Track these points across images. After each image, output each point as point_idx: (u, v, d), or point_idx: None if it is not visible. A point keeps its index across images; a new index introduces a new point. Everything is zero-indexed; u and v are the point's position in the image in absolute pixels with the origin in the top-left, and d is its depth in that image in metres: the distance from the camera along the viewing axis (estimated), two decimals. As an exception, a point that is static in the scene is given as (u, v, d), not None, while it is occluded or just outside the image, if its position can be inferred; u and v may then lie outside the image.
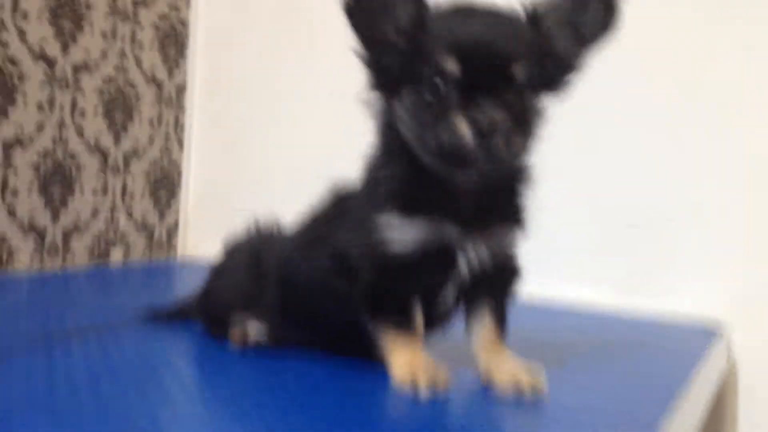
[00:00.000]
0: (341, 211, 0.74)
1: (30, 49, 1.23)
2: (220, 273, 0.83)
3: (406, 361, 0.69)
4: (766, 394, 1.20)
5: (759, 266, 1.22)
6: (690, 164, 1.25)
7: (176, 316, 0.91)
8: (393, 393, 0.68)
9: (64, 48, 1.29)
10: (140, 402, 0.65)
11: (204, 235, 1.60)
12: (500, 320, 0.73)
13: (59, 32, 1.28)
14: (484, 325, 0.73)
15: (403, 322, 0.70)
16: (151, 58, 1.48)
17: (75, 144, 1.32)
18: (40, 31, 1.24)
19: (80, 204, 1.35)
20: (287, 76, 1.51)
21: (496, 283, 0.72)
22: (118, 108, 1.41)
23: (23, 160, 1.23)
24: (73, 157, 1.32)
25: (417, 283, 0.70)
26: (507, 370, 0.71)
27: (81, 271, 1.34)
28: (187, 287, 1.46)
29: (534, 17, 0.68)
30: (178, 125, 1.56)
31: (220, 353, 0.79)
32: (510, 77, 0.64)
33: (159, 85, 1.51)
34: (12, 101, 1.20)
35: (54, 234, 1.30)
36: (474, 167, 0.65)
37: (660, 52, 1.25)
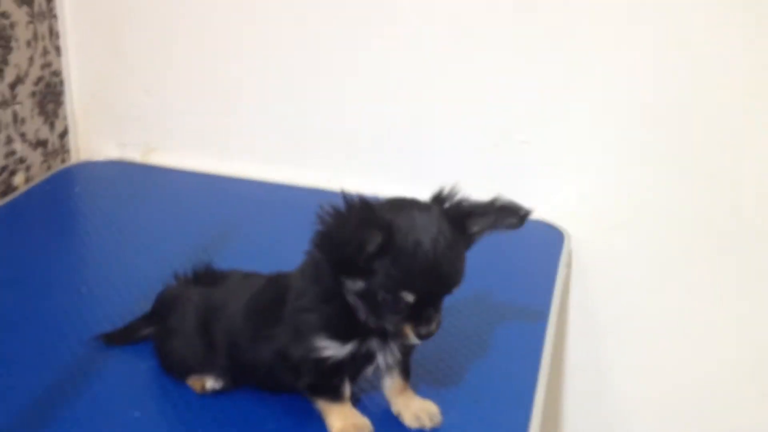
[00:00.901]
0: (280, 306, 0.90)
1: None
2: (172, 331, 0.99)
3: (340, 423, 0.91)
4: (595, 276, 1.51)
5: (596, 175, 1.45)
6: (547, 84, 1.42)
7: (127, 339, 1.07)
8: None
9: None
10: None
11: (94, 137, 1.67)
12: (406, 374, 0.96)
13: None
14: (394, 378, 0.95)
15: (335, 397, 0.91)
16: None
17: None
18: None
19: (-21, 149, 1.40)
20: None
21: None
22: (-3, 45, 1.41)
23: None
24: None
25: (345, 374, 0.91)
26: (412, 410, 0.95)
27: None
28: (87, 192, 1.59)
29: (463, 226, 0.85)
30: (53, 35, 1.55)
31: (180, 396, 0.99)
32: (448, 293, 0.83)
33: (29, 3, 1.48)
34: None
35: (-38, 187, 1.37)
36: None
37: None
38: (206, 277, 1.03)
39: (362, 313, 0.85)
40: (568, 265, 1.43)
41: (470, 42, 1.41)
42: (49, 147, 1.60)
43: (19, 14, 1.45)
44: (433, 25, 1.42)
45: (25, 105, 1.50)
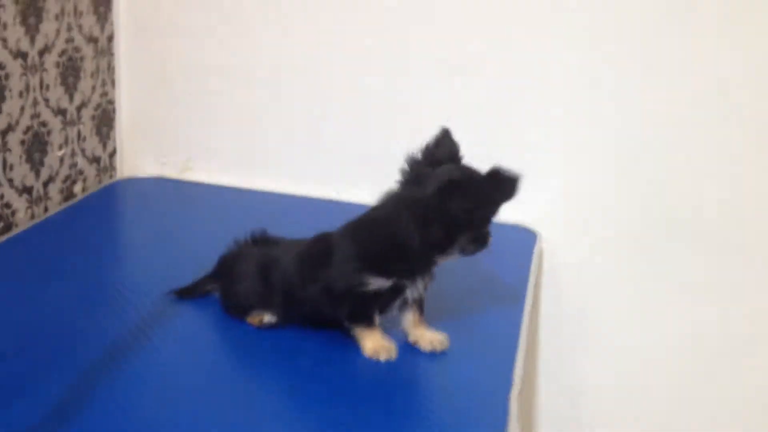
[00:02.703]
0: (327, 255, 1.18)
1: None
2: (238, 277, 1.26)
3: (371, 343, 1.18)
4: (566, 275, 1.79)
5: (567, 180, 1.74)
6: (514, 87, 1.72)
7: (194, 293, 1.34)
8: (364, 359, 1.19)
9: (32, 40, 1.55)
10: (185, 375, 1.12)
11: (137, 158, 1.95)
12: (421, 310, 1.23)
13: (27, 29, 1.54)
14: (411, 313, 1.23)
15: (369, 323, 1.18)
16: (88, 21, 1.74)
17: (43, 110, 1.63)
18: (15, 33, 1.50)
19: (52, 159, 1.68)
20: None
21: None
22: (71, 73, 1.70)
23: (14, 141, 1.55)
24: (44, 124, 1.63)
25: (379, 304, 1.19)
26: (427, 338, 1.22)
27: (58, 212, 1.70)
28: (129, 205, 1.86)
29: None
30: (110, 69, 1.85)
31: (242, 330, 1.26)
32: None
33: (95, 41, 1.78)
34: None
35: (38, 188, 1.64)
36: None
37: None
38: (262, 241, 1.31)
39: (461, 250, 1.17)
40: (540, 258, 1.71)
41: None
42: (102, 163, 1.87)
43: (87, 50, 1.76)
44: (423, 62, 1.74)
45: (87, 125, 1.79)
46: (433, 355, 1.21)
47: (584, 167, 1.73)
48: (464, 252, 1.17)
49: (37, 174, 1.64)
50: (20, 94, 1.54)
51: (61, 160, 1.71)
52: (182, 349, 1.20)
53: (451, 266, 1.49)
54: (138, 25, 1.87)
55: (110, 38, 1.84)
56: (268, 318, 1.25)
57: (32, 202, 1.63)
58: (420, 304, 1.23)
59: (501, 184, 1.14)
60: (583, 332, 1.82)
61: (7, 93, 1.50)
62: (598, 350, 1.83)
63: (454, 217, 1.13)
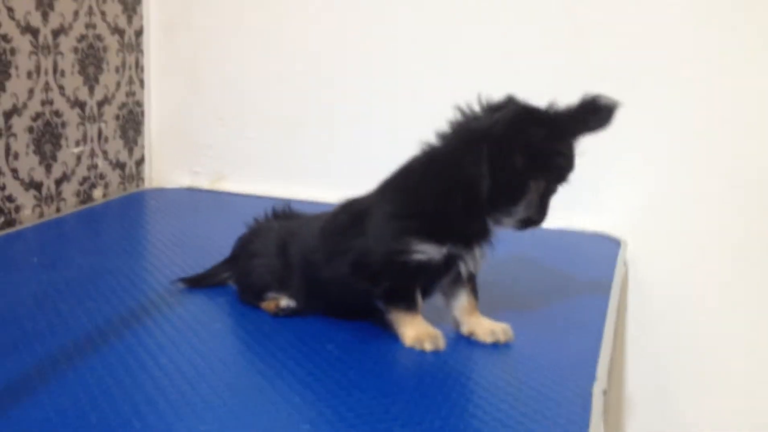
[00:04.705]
0: (358, 222, 0.95)
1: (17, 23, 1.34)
2: (253, 254, 1.04)
3: (414, 331, 0.94)
4: (654, 288, 1.53)
5: (651, 187, 1.51)
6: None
7: (205, 282, 1.12)
8: (405, 350, 0.94)
9: (44, 16, 1.40)
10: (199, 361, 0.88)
11: (167, 167, 1.77)
12: (475, 294, 0.99)
13: (39, 3, 1.39)
14: (464, 298, 0.98)
15: (410, 306, 0.94)
16: (113, 9, 1.59)
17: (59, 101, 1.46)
18: (24, 5, 1.35)
19: (67, 155, 1.50)
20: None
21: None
22: (91, 62, 1.54)
23: (19, 125, 1.37)
24: (57, 114, 1.46)
25: (424, 281, 0.94)
26: (485, 326, 0.97)
27: (72, 213, 1.51)
28: (158, 214, 1.67)
29: None
30: (138, 67, 1.69)
31: (258, 318, 1.02)
32: None
33: (121, 33, 1.63)
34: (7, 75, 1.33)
35: (48, 186, 1.46)
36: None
37: None
38: (285, 215, 1.09)
39: (530, 209, 0.93)
40: (624, 267, 1.45)
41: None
42: (127, 170, 1.70)
43: (111, 41, 1.60)
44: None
45: (110, 125, 1.62)
46: (493, 347, 0.96)
47: (672, 171, 1.50)
48: (526, 214, 0.93)
49: (48, 169, 1.46)
50: (28, 75, 1.38)
51: (79, 158, 1.54)
52: (182, 336, 0.97)
53: (525, 271, 1.27)
54: (169, 21, 1.71)
55: (138, 33, 1.69)
56: (285, 302, 1.02)
57: (41, 200, 1.45)
58: (473, 287, 0.99)
59: (596, 112, 0.91)
60: (674, 346, 1.55)
61: (12, 70, 1.34)
62: (689, 360, 1.54)
63: (530, 149, 0.89)
